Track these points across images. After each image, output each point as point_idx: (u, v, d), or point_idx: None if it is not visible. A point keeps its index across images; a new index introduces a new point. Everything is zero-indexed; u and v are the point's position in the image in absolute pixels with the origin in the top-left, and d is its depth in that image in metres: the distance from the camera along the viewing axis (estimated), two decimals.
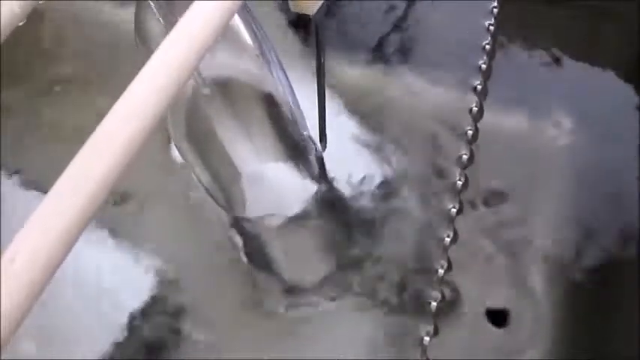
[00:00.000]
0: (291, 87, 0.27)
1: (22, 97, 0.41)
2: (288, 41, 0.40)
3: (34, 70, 0.42)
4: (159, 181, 0.37)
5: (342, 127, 0.37)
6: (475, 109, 0.38)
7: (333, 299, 0.33)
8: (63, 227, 0.12)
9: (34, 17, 0.41)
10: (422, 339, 0.32)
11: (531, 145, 0.37)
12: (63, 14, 0.43)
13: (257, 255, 0.35)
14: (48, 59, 0.42)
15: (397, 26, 0.41)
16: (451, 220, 0.35)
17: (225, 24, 0.17)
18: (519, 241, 0.34)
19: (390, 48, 0.40)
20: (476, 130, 0.37)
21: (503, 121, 0.38)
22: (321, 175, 0.35)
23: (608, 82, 0.38)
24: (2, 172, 0.38)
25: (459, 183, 0.36)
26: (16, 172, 0.38)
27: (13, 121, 0.39)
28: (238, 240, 0.35)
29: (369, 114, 0.38)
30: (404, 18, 0.41)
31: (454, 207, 0.35)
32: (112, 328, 0.34)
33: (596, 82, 0.39)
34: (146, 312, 0.34)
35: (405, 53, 0.40)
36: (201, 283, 0.35)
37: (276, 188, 0.31)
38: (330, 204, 0.36)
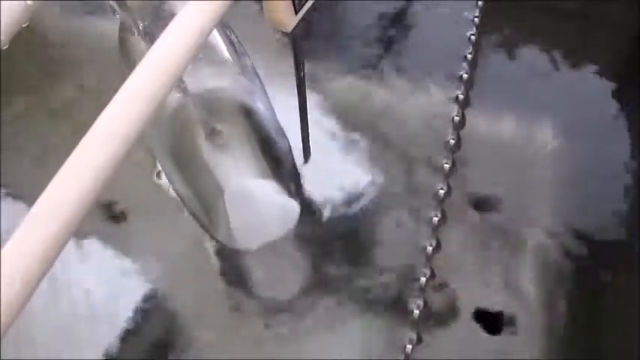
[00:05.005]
0: (270, 104, 0.28)
1: (22, 113, 0.41)
2: (278, 58, 0.40)
3: (34, 86, 0.42)
4: (149, 198, 0.37)
5: (328, 138, 0.38)
6: (457, 118, 0.38)
7: (313, 314, 0.34)
8: (41, 248, 0.12)
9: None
10: (404, 347, 0.32)
11: (523, 151, 0.37)
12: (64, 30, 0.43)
13: (235, 273, 0.35)
14: (51, 76, 0.42)
15: (382, 40, 0.41)
16: (434, 228, 0.35)
17: (203, 40, 0.17)
18: (513, 245, 0.35)
19: (375, 60, 0.40)
20: (458, 139, 0.38)
21: (495, 128, 0.38)
22: (300, 190, 0.35)
23: (596, 89, 0.39)
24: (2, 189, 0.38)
25: (442, 192, 0.36)
26: (15, 186, 0.39)
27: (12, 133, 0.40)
28: (216, 259, 0.36)
29: (355, 125, 0.38)
30: (390, 31, 0.42)
31: (436, 215, 0.35)
32: (101, 338, 0.34)
33: (584, 88, 0.39)
34: (132, 326, 0.34)
35: (390, 65, 0.40)
36: (186, 297, 0.35)
37: (258, 204, 0.31)
38: (311, 219, 0.36)
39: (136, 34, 0.22)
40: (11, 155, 0.38)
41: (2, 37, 0.18)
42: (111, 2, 0.20)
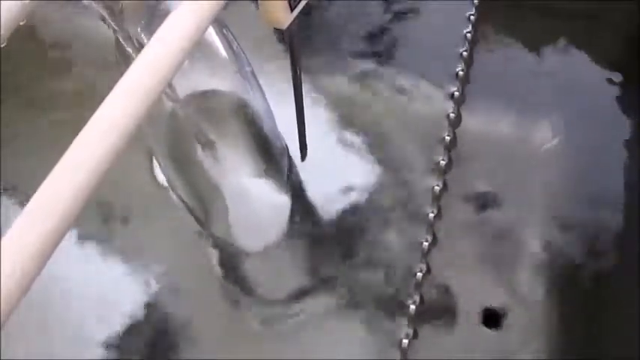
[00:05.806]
0: (267, 102, 0.28)
1: (23, 113, 0.41)
2: (274, 56, 0.40)
3: (35, 87, 0.42)
4: (149, 198, 0.38)
5: (324, 136, 0.38)
6: (453, 115, 0.38)
7: (311, 313, 0.34)
8: (42, 235, 0.12)
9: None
10: (400, 341, 0.33)
11: (520, 149, 0.37)
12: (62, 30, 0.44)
13: (233, 271, 0.35)
14: (50, 76, 0.42)
15: (378, 37, 0.42)
16: (430, 224, 0.35)
17: (199, 37, 0.17)
18: (511, 244, 0.35)
19: (371, 58, 0.41)
20: (454, 136, 0.38)
21: (492, 126, 0.38)
22: (295, 188, 0.35)
23: (596, 88, 0.39)
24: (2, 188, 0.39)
25: (437, 188, 0.36)
26: (14, 187, 0.39)
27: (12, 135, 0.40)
28: (215, 257, 0.36)
29: (351, 123, 0.39)
30: (386, 28, 0.42)
31: (432, 212, 0.36)
32: (100, 338, 0.34)
33: (584, 87, 0.39)
34: (131, 326, 0.35)
35: (386, 63, 0.41)
36: (186, 297, 0.35)
37: (255, 204, 0.32)
38: (308, 217, 0.36)
39: (129, 42, 0.22)
40: (11, 155, 0.39)
41: (2, 34, 0.18)
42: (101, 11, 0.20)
